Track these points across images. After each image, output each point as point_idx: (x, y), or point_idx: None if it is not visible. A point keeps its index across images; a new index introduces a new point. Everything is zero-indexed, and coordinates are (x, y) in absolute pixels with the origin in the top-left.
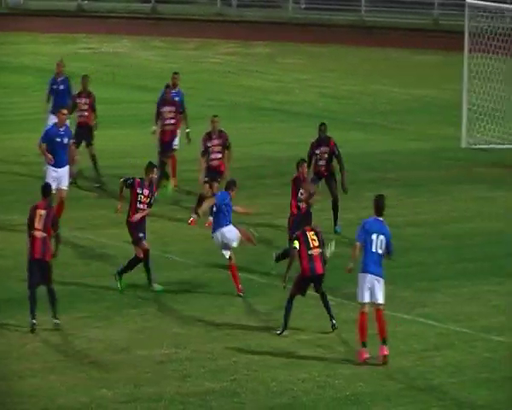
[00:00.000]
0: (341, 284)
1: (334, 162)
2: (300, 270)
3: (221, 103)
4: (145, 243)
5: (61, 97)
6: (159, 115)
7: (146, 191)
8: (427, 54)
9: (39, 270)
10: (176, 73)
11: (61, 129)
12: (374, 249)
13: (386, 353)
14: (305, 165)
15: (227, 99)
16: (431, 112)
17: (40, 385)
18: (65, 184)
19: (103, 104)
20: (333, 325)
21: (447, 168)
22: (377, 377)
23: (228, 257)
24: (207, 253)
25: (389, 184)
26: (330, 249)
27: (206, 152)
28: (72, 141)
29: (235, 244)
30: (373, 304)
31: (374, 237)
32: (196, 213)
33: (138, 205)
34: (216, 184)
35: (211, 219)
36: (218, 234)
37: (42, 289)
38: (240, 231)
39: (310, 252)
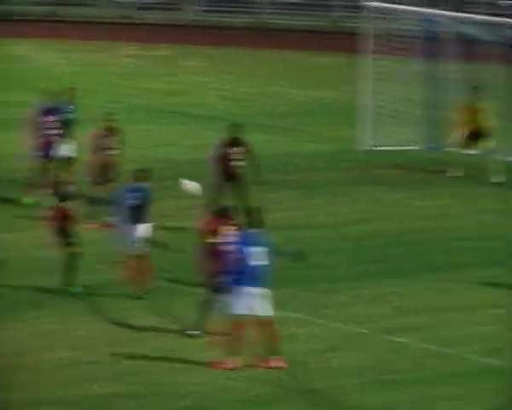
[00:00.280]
0: None
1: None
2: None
3: (119, 105)
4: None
5: None
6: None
7: None
8: (326, 56)
9: None
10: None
11: None
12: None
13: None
14: None
15: (125, 101)
16: (329, 114)
17: None
18: None
19: None
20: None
21: (346, 170)
22: (277, 379)
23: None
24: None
25: (290, 185)
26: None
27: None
28: None
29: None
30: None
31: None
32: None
33: None
34: None
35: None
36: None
37: None
38: None
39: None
